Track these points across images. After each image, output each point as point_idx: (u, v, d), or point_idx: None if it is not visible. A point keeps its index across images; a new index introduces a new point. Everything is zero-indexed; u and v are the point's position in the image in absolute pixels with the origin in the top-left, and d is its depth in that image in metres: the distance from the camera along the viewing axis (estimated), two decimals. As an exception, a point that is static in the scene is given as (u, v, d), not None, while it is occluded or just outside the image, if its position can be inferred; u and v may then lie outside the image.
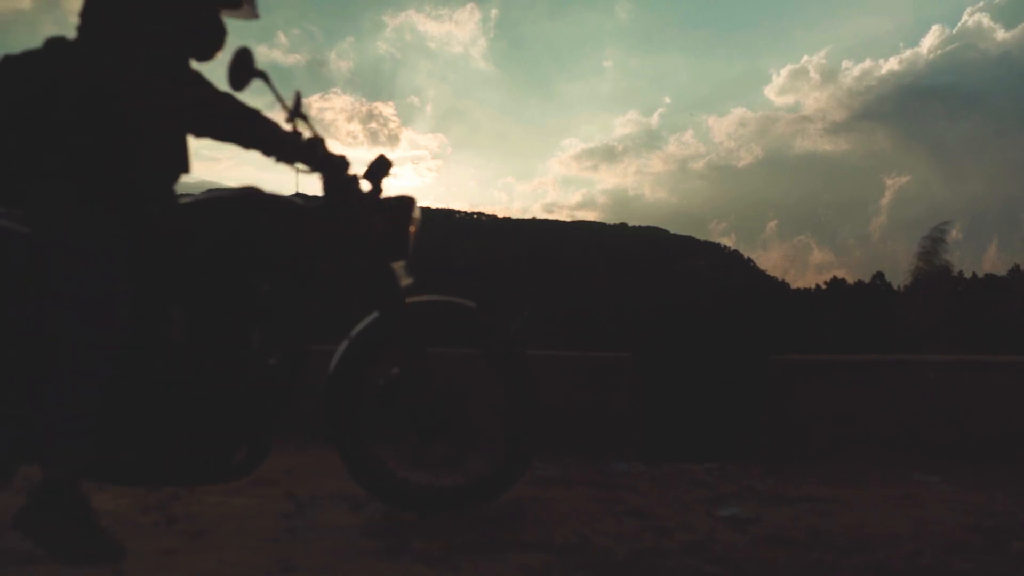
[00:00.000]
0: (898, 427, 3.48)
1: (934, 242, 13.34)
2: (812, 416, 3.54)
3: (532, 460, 2.39)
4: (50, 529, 1.85)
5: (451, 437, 2.24)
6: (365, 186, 2.27)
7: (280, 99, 2.22)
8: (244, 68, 2.11)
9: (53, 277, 1.94)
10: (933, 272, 13.09)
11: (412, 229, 2.28)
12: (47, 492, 1.86)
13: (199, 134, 2.20)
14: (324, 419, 2.28)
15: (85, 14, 2.02)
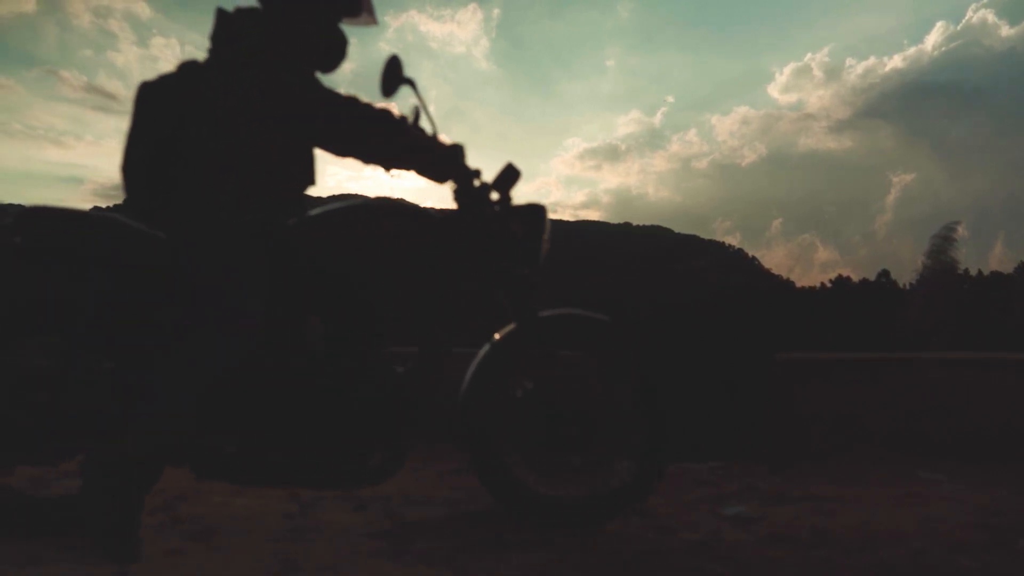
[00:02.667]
0: (902, 426, 3.47)
1: (944, 240, 13.30)
2: (816, 415, 3.53)
3: (666, 470, 2.36)
4: (99, 497, 1.88)
5: (586, 448, 2.23)
6: (493, 195, 2.27)
7: (424, 106, 2.22)
8: (394, 75, 2.15)
9: (190, 284, 2.00)
10: (939, 270, 13.05)
11: (544, 238, 2.27)
12: (107, 461, 1.90)
13: (332, 142, 2.20)
14: (458, 430, 2.27)
15: (215, 37, 2.09)
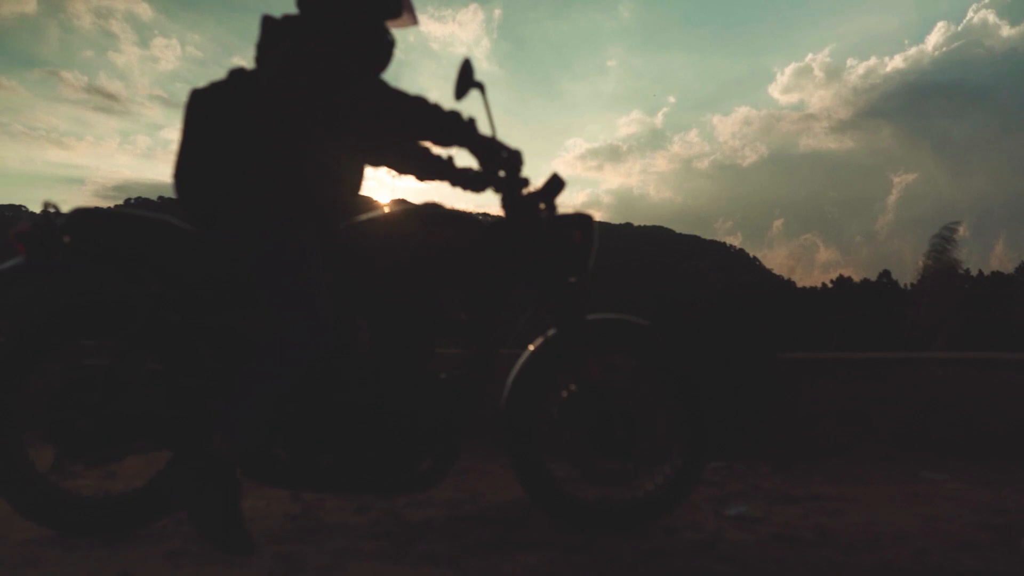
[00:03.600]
0: (905, 425, 3.47)
1: (944, 240, 13.27)
2: (819, 414, 3.53)
3: (704, 471, 2.37)
4: (200, 501, 1.96)
5: (628, 452, 2.23)
6: (539, 204, 2.27)
7: (489, 112, 2.23)
8: (467, 78, 2.17)
9: (259, 290, 2.03)
10: (941, 270, 13.04)
11: (590, 246, 2.27)
12: (201, 466, 1.97)
13: (395, 141, 2.27)
14: (501, 435, 2.27)
15: (262, 44, 2.12)
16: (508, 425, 2.26)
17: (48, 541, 2.09)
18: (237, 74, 2.14)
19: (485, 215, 2.25)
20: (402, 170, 2.37)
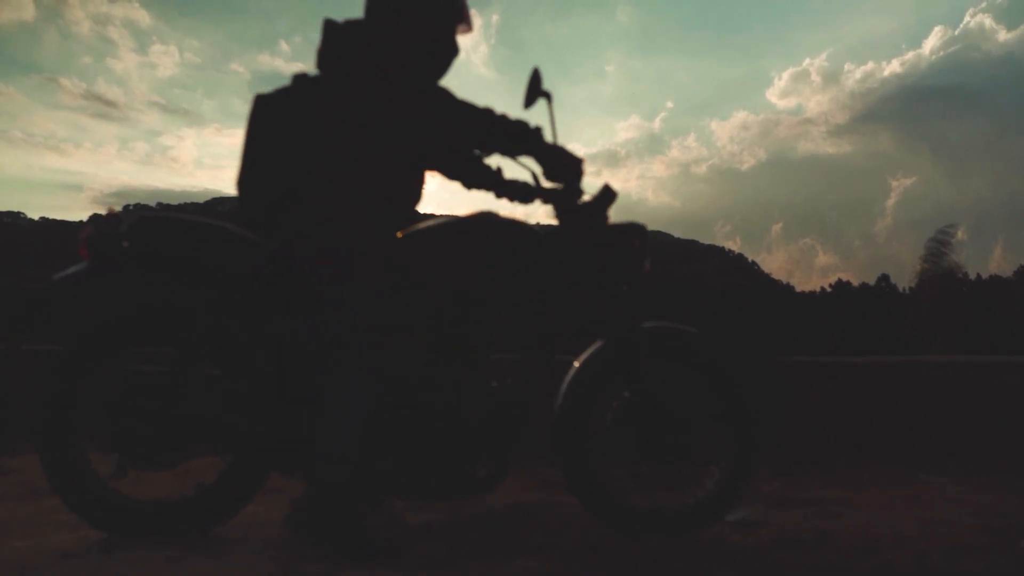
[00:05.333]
0: (905, 428, 3.47)
1: (940, 244, 13.28)
2: (818, 418, 3.53)
3: (754, 477, 2.37)
4: (326, 532, 1.98)
5: (681, 459, 2.23)
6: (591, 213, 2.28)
7: (553, 121, 2.24)
8: (535, 87, 2.17)
9: (324, 296, 2.04)
10: (939, 274, 13.04)
11: (642, 255, 2.28)
12: (320, 500, 1.99)
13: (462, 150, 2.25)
14: (553, 442, 2.27)
15: (324, 50, 2.10)
16: (561, 432, 2.26)
17: (47, 548, 2.08)
18: (301, 80, 2.13)
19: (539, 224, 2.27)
20: (451, 176, 2.36)
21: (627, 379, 2.25)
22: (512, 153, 2.21)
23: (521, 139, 2.16)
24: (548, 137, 2.27)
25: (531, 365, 2.20)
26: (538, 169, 2.27)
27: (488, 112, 2.10)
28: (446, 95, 2.09)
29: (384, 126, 2.06)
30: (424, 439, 2.12)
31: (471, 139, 2.18)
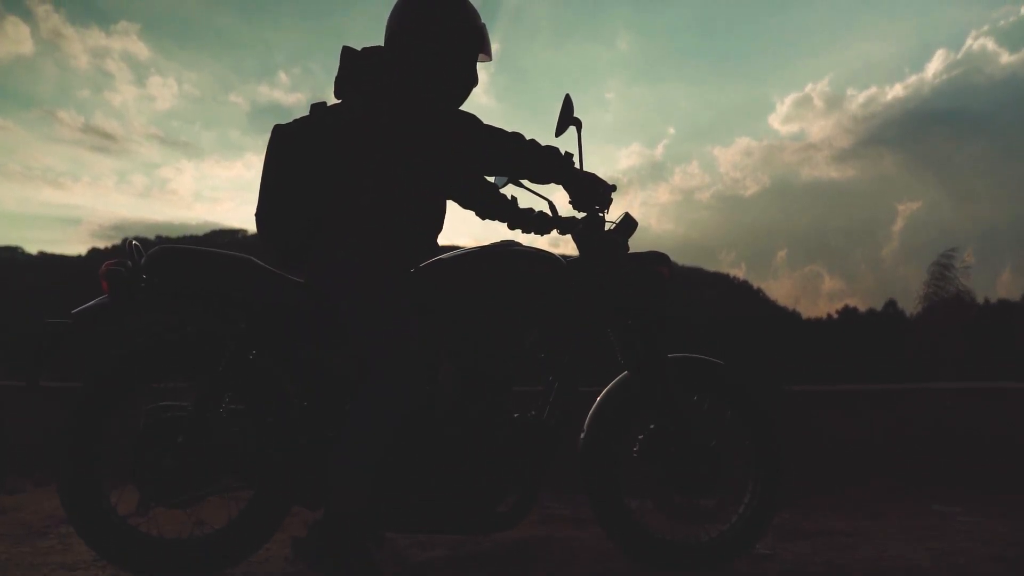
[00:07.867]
0: (916, 457, 3.42)
1: (943, 268, 13.22)
2: (829, 448, 3.48)
3: (780, 509, 2.32)
4: (330, 559, 1.92)
5: (710, 489, 2.20)
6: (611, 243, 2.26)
7: (581, 148, 2.21)
8: (567, 114, 2.16)
9: (353, 330, 2.01)
10: (946, 299, 12.96)
11: (665, 285, 2.26)
12: (329, 527, 1.93)
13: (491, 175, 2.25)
14: (580, 473, 2.24)
15: (343, 78, 2.08)
16: (587, 463, 2.23)
17: (51, 563, 2.05)
18: (319, 108, 2.10)
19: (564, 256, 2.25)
20: (465, 204, 2.36)
21: (653, 410, 2.22)
22: (542, 180, 2.18)
23: (552, 165, 2.13)
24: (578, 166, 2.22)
25: (559, 397, 2.16)
26: (564, 196, 2.23)
27: (518, 137, 2.08)
28: (473, 120, 2.08)
29: (409, 153, 2.04)
30: (447, 472, 2.08)
31: (499, 164, 2.15)
